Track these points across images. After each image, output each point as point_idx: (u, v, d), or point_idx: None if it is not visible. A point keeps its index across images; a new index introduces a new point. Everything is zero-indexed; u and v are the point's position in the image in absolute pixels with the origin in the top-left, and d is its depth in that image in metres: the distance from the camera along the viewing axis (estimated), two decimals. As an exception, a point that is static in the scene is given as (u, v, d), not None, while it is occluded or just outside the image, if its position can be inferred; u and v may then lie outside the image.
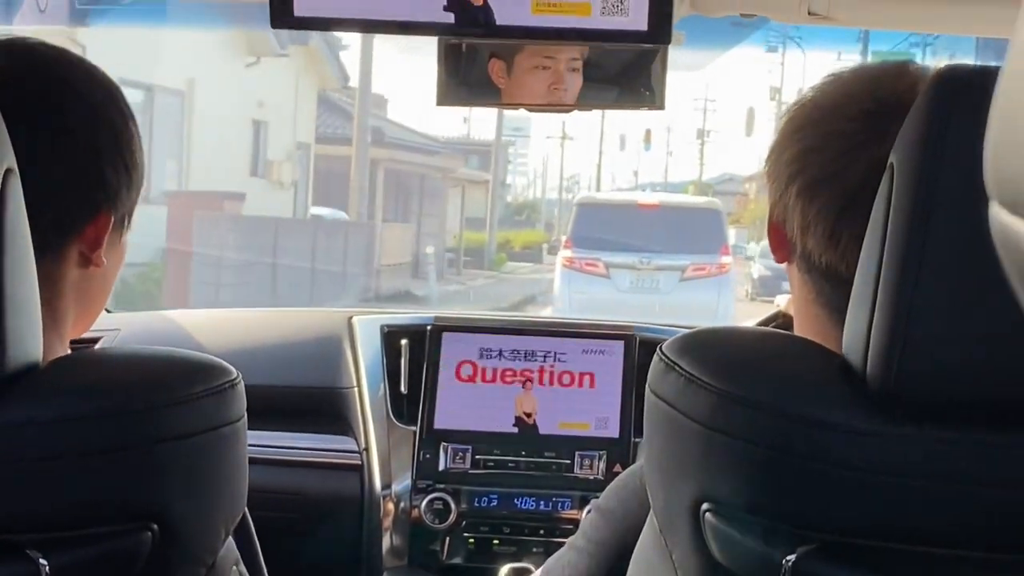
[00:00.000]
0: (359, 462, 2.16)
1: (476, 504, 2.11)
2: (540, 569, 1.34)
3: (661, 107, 1.49)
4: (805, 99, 1.10)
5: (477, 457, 2.13)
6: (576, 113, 1.52)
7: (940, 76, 0.87)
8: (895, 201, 0.87)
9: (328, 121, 22.38)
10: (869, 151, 0.99)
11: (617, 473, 2.02)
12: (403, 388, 2.20)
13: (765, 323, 1.67)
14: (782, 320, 1.62)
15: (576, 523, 2.05)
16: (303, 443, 2.19)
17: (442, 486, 2.11)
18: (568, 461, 2.12)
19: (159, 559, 0.96)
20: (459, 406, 2.17)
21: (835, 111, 1.05)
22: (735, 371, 0.95)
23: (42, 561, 0.90)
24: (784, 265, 1.14)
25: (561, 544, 1.34)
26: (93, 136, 1.08)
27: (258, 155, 18.75)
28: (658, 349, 1.01)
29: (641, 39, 1.21)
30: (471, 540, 2.12)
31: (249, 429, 1.07)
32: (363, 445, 2.18)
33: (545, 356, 2.18)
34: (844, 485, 0.88)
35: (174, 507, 0.97)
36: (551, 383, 2.17)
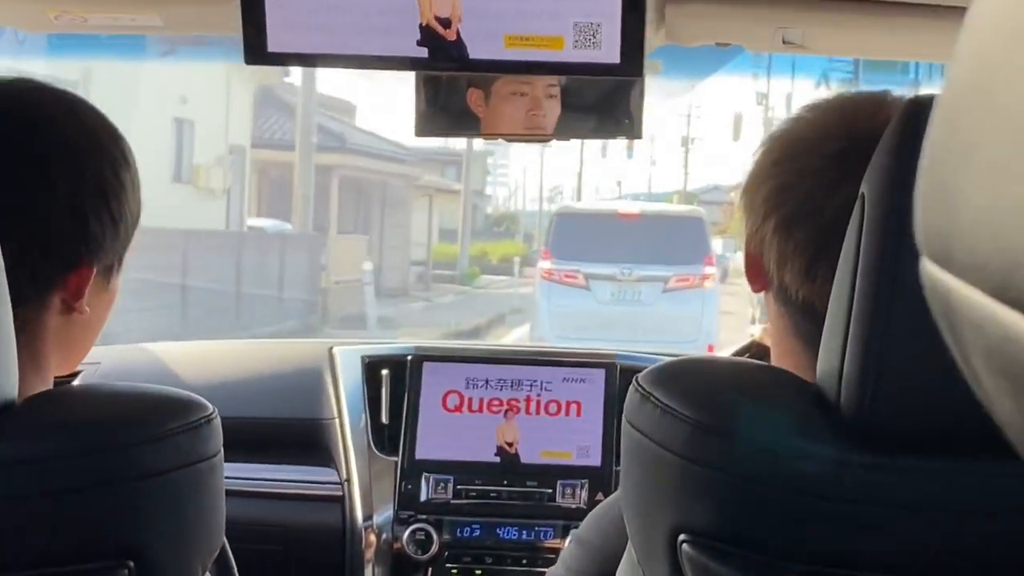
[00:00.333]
0: (340, 493, 2.15)
1: (458, 534, 2.11)
2: None
3: (639, 136, 1.50)
4: (781, 131, 1.10)
5: (459, 487, 2.13)
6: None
7: (909, 106, 0.88)
8: (866, 231, 0.87)
9: (277, 124, 20.71)
10: (845, 189, 1.00)
11: (599, 502, 2.02)
12: (384, 418, 2.20)
13: (740, 353, 1.68)
14: (756, 350, 1.63)
15: (558, 552, 2.04)
16: (284, 475, 2.18)
17: (424, 517, 2.11)
18: (550, 490, 2.12)
19: None
20: (440, 436, 2.16)
21: (811, 147, 1.06)
22: (710, 402, 0.95)
23: None
24: (762, 294, 1.15)
25: (543, 574, 1.34)
26: (77, 188, 1.06)
27: (181, 158, 16.61)
28: (634, 380, 1.01)
29: (614, 72, 1.22)
30: (454, 570, 2.11)
31: (230, 461, 1.06)
32: (344, 476, 2.17)
33: (531, 385, 2.18)
34: (819, 515, 0.89)
35: (150, 544, 0.96)
36: (536, 412, 2.17)
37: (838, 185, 1.01)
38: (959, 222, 0.35)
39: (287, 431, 2.25)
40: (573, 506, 2.10)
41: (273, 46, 1.21)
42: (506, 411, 2.17)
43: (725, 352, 2.19)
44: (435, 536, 2.09)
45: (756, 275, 1.12)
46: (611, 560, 1.13)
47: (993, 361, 0.35)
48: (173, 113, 16.07)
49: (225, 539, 1.11)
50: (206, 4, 1.46)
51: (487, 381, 2.18)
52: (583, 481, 2.12)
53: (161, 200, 12.54)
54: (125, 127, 1.11)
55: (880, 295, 0.86)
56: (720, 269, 14.34)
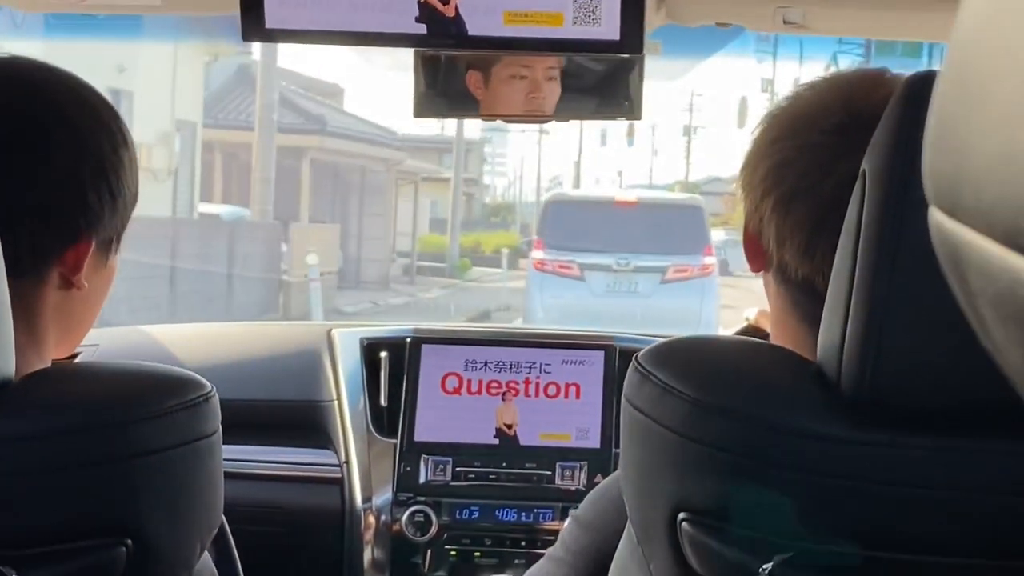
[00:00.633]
0: (339, 475, 2.16)
1: (457, 516, 2.11)
2: None
3: (639, 117, 1.50)
4: (779, 109, 1.10)
5: (458, 469, 2.13)
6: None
7: (910, 82, 0.87)
8: (867, 208, 0.87)
9: (246, 105, 18.85)
10: (843, 164, 0.99)
11: (599, 483, 2.02)
12: (383, 401, 2.20)
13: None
14: (752, 333, 1.62)
15: (557, 534, 2.04)
16: (283, 457, 2.18)
17: (423, 499, 2.11)
18: (549, 472, 2.12)
19: (134, 574, 0.96)
20: (439, 418, 2.16)
21: (810, 123, 1.05)
22: (710, 380, 0.95)
23: None
24: (760, 274, 1.14)
25: (543, 555, 1.33)
26: (76, 161, 1.06)
27: (118, 135, 15.24)
28: (634, 359, 1.01)
29: (613, 49, 1.21)
30: (453, 552, 2.11)
31: (229, 443, 1.06)
32: (343, 458, 2.17)
33: (530, 367, 2.18)
34: (819, 493, 0.88)
35: (149, 522, 0.96)
36: (535, 394, 2.17)
37: (837, 161, 1.01)
38: (968, 169, 0.34)
39: (286, 413, 2.25)
40: (572, 488, 2.10)
41: (271, 22, 1.21)
42: (505, 393, 2.17)
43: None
44: (434, 518, 2.09)
45: (755, 255, 1.11)
46: (610, 540, 1.13)
47: (1002, 309, 0.35)
48: (108, 83, 13.84)
49: (224, 519, 1.11)
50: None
51: (486, 363, 2.18)
52: (582, 463, 2.12)
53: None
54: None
55: (881, 271, 0.86)
56: (721, 261, 13.97)
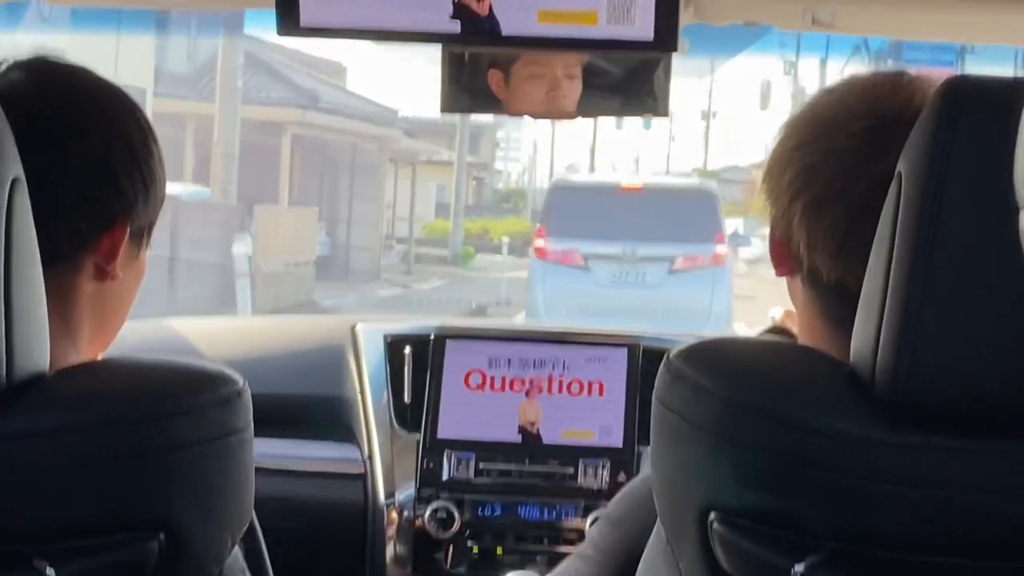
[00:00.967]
0: (362, 471, 2.16)
1: (480, 513, 2.11)
2: None
3: (665, 114, 1.49)
4: (800, 115, 1.10)
5: (481, 466, 2.13)
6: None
7: (947, 86, 0.88)
8: (903, 210, 0.87)
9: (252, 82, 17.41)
10: (872, 167, 0.99)
11: (621, 482, 2.02)
12: (406, 397, 2.20)
13: None
14: (778, 334, 1.62)
15: (580, 532, 2.05)
16: (306, 452, 2.19)
17: (446, 495, 2.11)
18: (572, 470, 2.12)
19: (166, 568, 0.96)
20: (462, 415, 2.16)
21: (834, 128, 1.05)
22: (742, 380, 0.95)
23: (49, 570, 0.90)
24: (787, 279, 1.14)
25: (565, 553, 1.34)
26: (109, 148, 1.09)
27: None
28: (665, 358, 1.01)
29: (647, 48, 1.21)
30: (475, 549, 2.11)
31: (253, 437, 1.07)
32: (366, 454, 2.17)
33: (554, 365, 2.18)
34: (852, 494, 0.88)
35: (181, 516, 0.97)
36: (559, 391, 2.17)
37: (866, 164, 1.01)
38: None
39: (309, 408, 2.26)
40: (595, 486, 2.10)
41: (306, 19, 1.21)
42: (528, 390, 2.17)
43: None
44: (456, 514, 2.09)
45: (782, 260, 1.11)
46: (639, 539, 1.13)
47: None
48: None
49: (254, 513, 1.12)
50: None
51: (510, 360, 2.18)
52: (605, 461, 2.12)
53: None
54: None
55: (916, 273, 0.86)
56: (734, 250, 13.44)
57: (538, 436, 2.15)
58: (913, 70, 1.09)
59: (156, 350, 2.23)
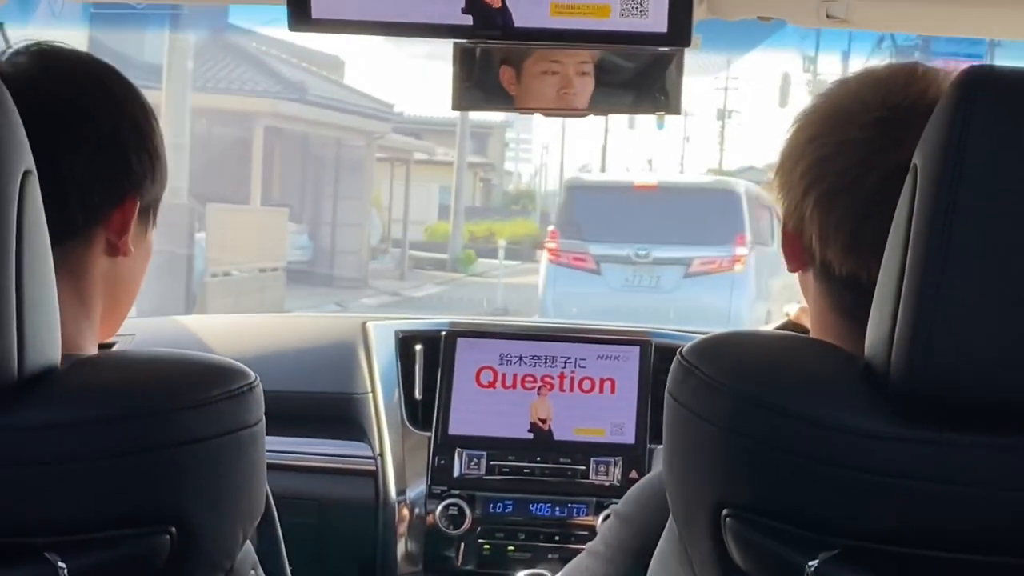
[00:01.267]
0: (374, 468, 2.16)
1: (491, 510, 2.10)
2: (558, 575, 1.34)
3: (677, 112, 1.49)
4: (812, 108, 1.09)
5: (492, 463, 2.12)
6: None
7: (963, 77, 0.87)
8: (919, 202, 0.86)
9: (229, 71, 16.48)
10: (886, 158, 0.99)
11: (633, 479, 2.01)
12: (418, 394, 2.20)
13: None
14: (792, 329, 1.61)
15: (591, 529, 2.04)
16: (318, 448, 2.19)
17: (457, 492, 2.11)
18: (583, 467, 2.11)
19: (177, 562, 0.96)
20: (474, 412, 2.16)
21: (848, 119, 1.04)
22: (756, 374, 0.94)
23: (60, 564, 0.90)
24: (798, 274, 1.14)
25: (576, 550, 1.33)
26: (118, 127, 1.12)
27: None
28: (678, 353, 1.01)
29: (661, 41, 1.21)
30: (486, 546, 2.11)
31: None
32: (378, 451, 2.17)
33: (565, 362, 2.17)
34: (866, 490, 0.88)
35: (193, 510, 0.97)
36: (570, 389, 2.16)
37: (879, 155, 1.00)
38: None
39: (321, 405, 2.25)
40: (606, 483, 2.10)
41: (317, 12, 1.21)
42: (540, 387, 2.16)
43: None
44: (468, 511, 2.09)
45: (795, 254, 1.11)
46: (652, 536, 1.13)
47: None
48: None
49: (273, 502, 1.12)
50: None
51: (521, 357, 2.18)
52: (616, 458, 2.11)
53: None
54: None
55: (932, 266, 0.85)
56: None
57: (550, 433, 2.14)
58: (939, 62, 1.08)
59: (169, 346, 2.23)
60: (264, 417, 1.05)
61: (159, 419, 0.95)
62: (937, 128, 0.87)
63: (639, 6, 1.20)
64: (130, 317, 1.25)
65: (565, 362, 2.17)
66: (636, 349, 2.17)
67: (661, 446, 1.12)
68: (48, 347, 0.93)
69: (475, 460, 2.13)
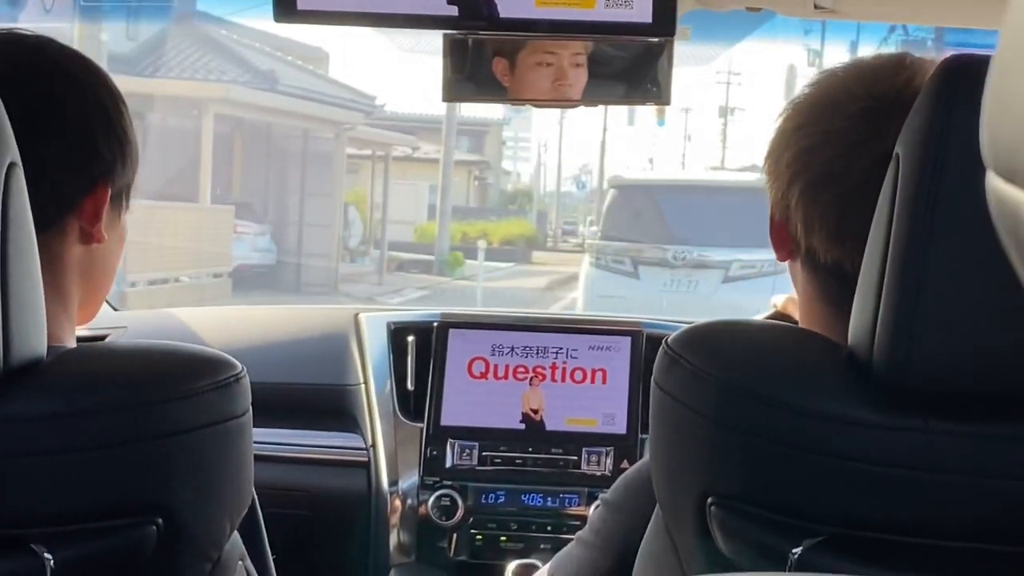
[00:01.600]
0: (366, 459, 2.16)
1: (483, 501, 2.11)
2: (548, 564, 1.34)
3: (668, 102, 1.49)
4: (801, 97, 1.09)
5: (484, 454, 2.13)
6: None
7: (945, 66, 0.87)
8: (900, 191, 0.87)
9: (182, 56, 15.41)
10: (871, 148, 0.99)
11: (625, 469, 2.01)
12: (410, 385, 2.20)
13: None
14: (779, 319, 1.61)
15: (583, 519, 2.04)
16: (310, 440, 2.19)
17: (449, 483, 2.11)
18: (575, 457, 2.12)
19: (164, 553, 0.96)
20: (466, 403, 2.16)
21: (834, 109, 1.05)
22: (741, 364, 0.95)
23: (47, 556, 0.90)
24: (787, 263, 1.14)
25: (569, 540, 1.34)
26: (84, 113, 1.11)
27: None
28: (663, 342, 1.01)
29: (645, 32, 1.21)
30: (478, 537, 2.11)
31: (256, 426, 1.07)
32: (370, 442, 2.17)
33: (557, 352, 2.18)
34: (850, 478, 0.88)
35: (179, 501, 0.97)
36: (562, 379, 2.16)
37: (864, 145, 1.01)
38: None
39: (313, 396, 2.26)
40: (598, 473, 2.10)
41: (303, 4, 1.21)
42: (531, 378, 2.17)
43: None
44: (460, 502, 2.09)
45: (782, 243, 1.11)
46: (639, 524, 1.13)
47: None
48: None
49: (256, 495, 1.12)
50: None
51: (513, 348, 2.18)
52: (608, 449, 2.12)
53: None
54: None
55: (914, 255, 0.85)
56: None
57: (541, 424, 2.15)
58: (917, 54, 1.08)
59: (160, 339, 2.23)
60: (251, 408, 1.05)
61: (146, 410, 0.95)
62: (919, 117, 0.87)
63: (624, -4, 1.20)
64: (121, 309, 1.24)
65: (557, 353, 2.18)
66: (627, 339, 2.17)
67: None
68: (34, 339, 0.93)
69: (467, 451, 2.13)
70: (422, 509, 2.10)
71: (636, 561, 1.12)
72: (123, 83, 1.18)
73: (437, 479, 2.12)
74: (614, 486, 1.28)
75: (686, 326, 1.02)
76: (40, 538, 0.91)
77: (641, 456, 2.10)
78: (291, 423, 2.17)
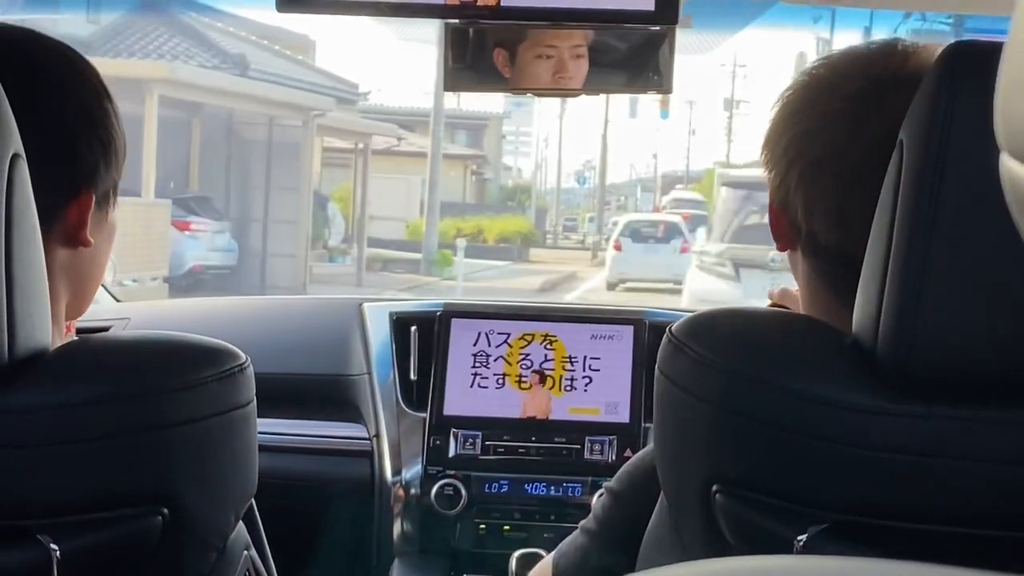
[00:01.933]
0: (369, 449, 2.16)
1: (486, 490, 2.11)
2: (552, 553, 1.34)
3: (669, 90, 1.49)
4: (798, 82, 1.10)
5: (487, 443, 2.13)
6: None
7: (948, 52, 0.87)
8: (905, 178, 0.87)
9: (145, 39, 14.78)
10: (868, 128, 0.99)
11: (628, 458, 2.01)
12: (413, 375, 2.20)
13: None
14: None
15: (587, 508, 2.04)
16: (313, 430, 2.19)
17: (452, 472, 2.11)
18: (578, 446, 2.12)
19: (170, 543, 0.96)
20: (469, 393, 2.16)
21: (830, 92, 1.05)
22: (745, 351, 0.95)
23: (53, 546, 0.90)
24: (787, 253, 1.14)
25: (572, 529, 1.34)
26: (65, 116, 1.07)
27: None
28: (668, 330, 1.01)
29: (647, 20, 1.21)
30: (482, 526, 2.12)
31: (259, 416, 1.07)
32: (373, 432, 2.18)
33: (559, 342, 2.17)
34: (855, 464, 0.88)
35: (184, 491, 0.97)
36: (564, 369, 2.16)
37: (861, 125, 1.01)
38: None
39: (316, 386, 2.26)
40: (601, 462, 2.10)
41: None
42: (534, 368, 2.16)
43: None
44: (463, 491, 2.09)
45: (782, 231, 1.11)
46: (643, 513, 1.13)
47: None
48: None
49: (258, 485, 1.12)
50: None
51: (515, 338, 2.18)
52: (611, 437, 2.12)
53: None
54: None
55: (918, 242, 0.85)
56: None
57: (544, 413, 2.15)
58: (910, 40, 1.09)
59: (162, 329, 2.23)
60: (255, 398, 1.05)
61: (150, 400, 0.95)
62: (923, 103, 0.87)
63: (625, -17, 1.20)
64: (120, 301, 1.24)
65: (559, 342, 2.17)
66: (630, 328, 2.17)
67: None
68: (38, 330, 0.93)
69: (470, 440, 2.13)
70: (425, 499, 2.10)
71: (640, 549, 1.12)
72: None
73: (440, 469, 2.12)
74: (617, 475, 1.28)
75: (689, 314, 1.02)
76: (46, 529, 0.91)
77: (644, 445, 2.09)
78: (295, 413, 2.18)
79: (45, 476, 0.92)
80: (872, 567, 0.45)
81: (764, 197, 1.12)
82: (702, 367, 0.95)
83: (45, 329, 0.94)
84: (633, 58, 1.45)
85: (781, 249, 1.14)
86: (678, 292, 13.98)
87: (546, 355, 2.17)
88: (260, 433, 1.08)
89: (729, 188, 11.11)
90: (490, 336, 2.18)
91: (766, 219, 1.13)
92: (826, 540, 0.89)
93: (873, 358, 0.89)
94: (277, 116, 15.45)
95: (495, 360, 2.17)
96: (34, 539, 0.90)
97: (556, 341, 2.18)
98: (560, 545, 1.33)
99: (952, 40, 0.89)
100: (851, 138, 1.01)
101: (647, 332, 2.15)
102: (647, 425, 2.11)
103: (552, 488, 2.11)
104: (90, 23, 14.54)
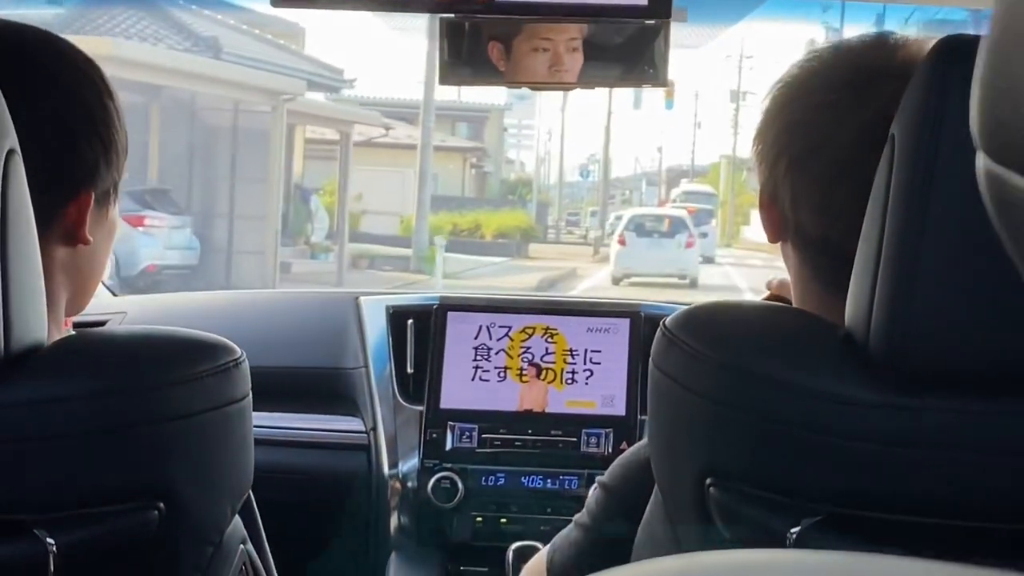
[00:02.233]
0: (366, 442, 2.17)
1: (483, 483, 2.11)
2: (547, 546, 1.35)
3: (664, 84, 1.49)
4: (785, 79, 1.10)
5: (484, 436, 2.13)
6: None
7: (940, 47, 0.87)
8: (896, 172, 0.87)
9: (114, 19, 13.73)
10: (855, 118, 1.00)
11: (624, 451, 2.02)
12: (409, 368, 2.20)
13: None
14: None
15: (583, 500, 2.05)
16: (310, 423, 2.19)
17: (449, 465, 2.11)
18: (575, 439, 2.12)
19: (166, 537, 0.97)
20: (465, 386, 2.16)
21: (818, 84, 1.06)
22: (737, 344, 0.95)
23: (49, 540, 0.90)
24: (779, 246, 1.14)
25: (569, 522, 1.34)
26: (65, 116, 1.06)
27: None
28: (661, 324, 1.01)
29: (641, 14, 1.21)
30: (478, 519, 2.12)
31: (256, 410, 1.07)
32: (370, 425, 2.18)
33: (556, 335, 2.18)
34: (847, 457, 0.88)
35: (180, 485, 0.97)
36: (560, 362, 2.16)
37: (848, 115, 1.01)
38: (1020, 116, 0.34)
39: (313, 380, 2.26)
40: (598, 455, 2.11)
41: None
42: (531, 361, 2.17)
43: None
44: (460, 484, 2.10)
45: (773, 223, 1.11)
46: (637, 506, 1.14)
47: None
48: None
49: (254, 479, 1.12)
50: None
51: (512, 331, 2.18)
52: (607, 430, 2.12)
53: None
54: None
55: (910, 235, 0.85)
56: None
57: (541, 406, 2.15)
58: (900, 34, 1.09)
59: (160, 324, 2.23)
60: (251, 392, 1.05)
61: (146, 395, 0.95)
62: (914, 97, 0.87)
63: (619, -22, 1.20)
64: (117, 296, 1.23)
65: (555, 335, 2.18)
66: (626, 321, 2.17)
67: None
68: (34, 324, 0.93)
69: (467, 433, 2.13)
70: (422, 492, 2.11)
71: (635, 543, 1.13)
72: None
73: (437, 462, 2.12)
74: (610, 469, 1.28)
75: (683, 308, 1.03)
76: (42, 523, 0.91)
77: (640, 437, 2.10)
78: (291, 407, 2.18)
79: (41, 470, 0.93)
80: (863, 562, 0.45)
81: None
82: (695, 360, 0.95)
83: (41, 324, 0.94)
84: (628, 51, 1.45)
85: (772, 241, 1.14)
86: (683, 287, 13.93)
87: (547, 348, 2.17)
88: (257, 427, 1.08)
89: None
90: (491, 329, 2.18)
91: None
92: (819, 532, 0.89)
93: (866, 351, 0.89)
94: (243, 101, 14.09)
95: (496, 353, 2.17)
96: (30, 533, 0.91)
97: (557, 334, 2.18)
98: (554, 539, 1.33)
99: (970, 29, 0.89)
100: (838, 128, 1.02)
101: (643, 325, 2.16)
102: (643, 418, 2.11)
103: (549, 481, 2.11)
104: (51, 4, 14.19)
